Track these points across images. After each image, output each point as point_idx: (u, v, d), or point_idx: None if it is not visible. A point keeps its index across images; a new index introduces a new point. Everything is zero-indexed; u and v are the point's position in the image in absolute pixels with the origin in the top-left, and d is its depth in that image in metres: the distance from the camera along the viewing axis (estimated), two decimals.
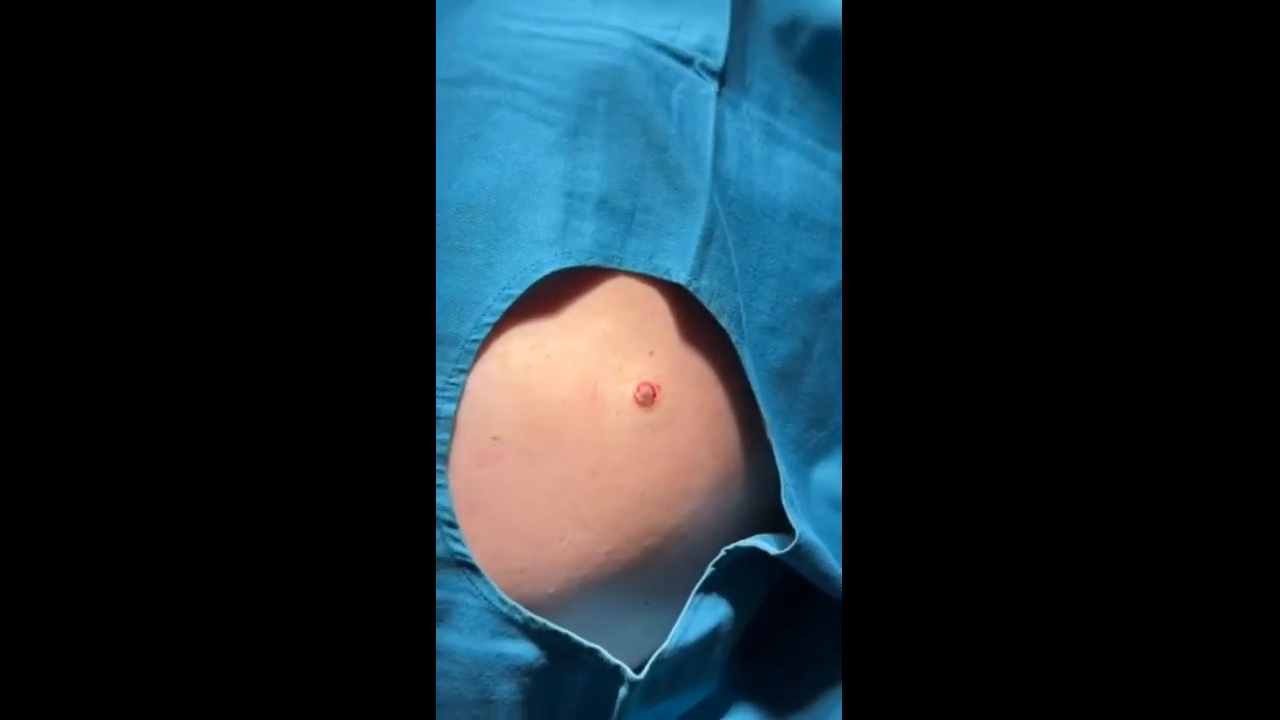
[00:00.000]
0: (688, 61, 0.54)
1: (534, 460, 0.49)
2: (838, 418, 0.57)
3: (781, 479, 0.52)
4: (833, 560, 0.53)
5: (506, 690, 0.49)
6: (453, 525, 0.48)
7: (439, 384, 0.48)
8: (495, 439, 0.48)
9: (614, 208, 0.51)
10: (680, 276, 0.50)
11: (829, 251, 0.58)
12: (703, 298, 0.51)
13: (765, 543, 0.52)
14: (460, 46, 0.53)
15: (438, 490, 0.47)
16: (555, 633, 0.49)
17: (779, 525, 0.53)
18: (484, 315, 0.48)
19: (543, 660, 0.49)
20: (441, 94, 0.51)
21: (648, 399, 0.50)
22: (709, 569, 0.52)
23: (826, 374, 0.56)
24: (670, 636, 0.51)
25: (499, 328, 0.48)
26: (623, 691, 0.50)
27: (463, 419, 0.48)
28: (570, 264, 0.49)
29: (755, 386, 0.51)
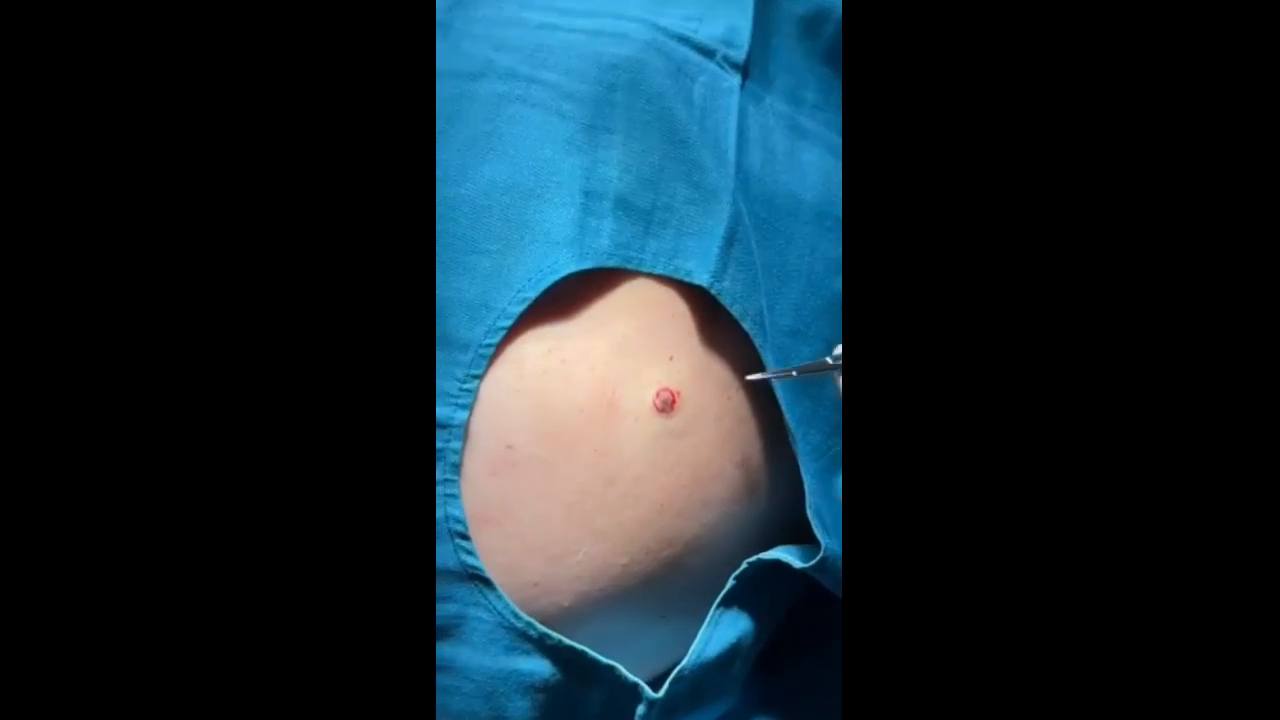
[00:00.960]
0: (710, 54, 0.52)
1: (549, 470, 0.47)
2: None
3: (806, 489, 0.50)
4: None
5: (520, 707, 0.48)
6: (465, 537, 0.46)
7: (452, 390, 0.46)
8: (509, 447, 0.46)
9: (633, 206, 0.49)
10: (702, 278, 0.49)
11: None
12: (725, 300, 0.49)
13: (789, 555, 0.50)
14: (474, 38, 0.51)
15: (450, 501, 0.46)
16: (571, 649, 0.47)
17: (801, 536, 0.51)
18: (498, 319, 0.46)
19: (558, 677, 0.47)
20: (453, 87, 0.49)
21: (667, 405, 0.48)
22: (730, 582, 0.50)
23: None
24: (690, 652, 0.49)
25: (513, 332, 0.46)
26: (641, 710, 0.48)
27: (476, 426, 0.46)
28: (587, 265, 0.47)
29: (779, 393, 0.49)
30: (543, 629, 0.46)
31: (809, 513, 0.49)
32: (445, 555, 0.46)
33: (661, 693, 0.48)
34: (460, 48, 0.50)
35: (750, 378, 0.48)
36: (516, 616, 0.46)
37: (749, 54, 0.53)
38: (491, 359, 0.46)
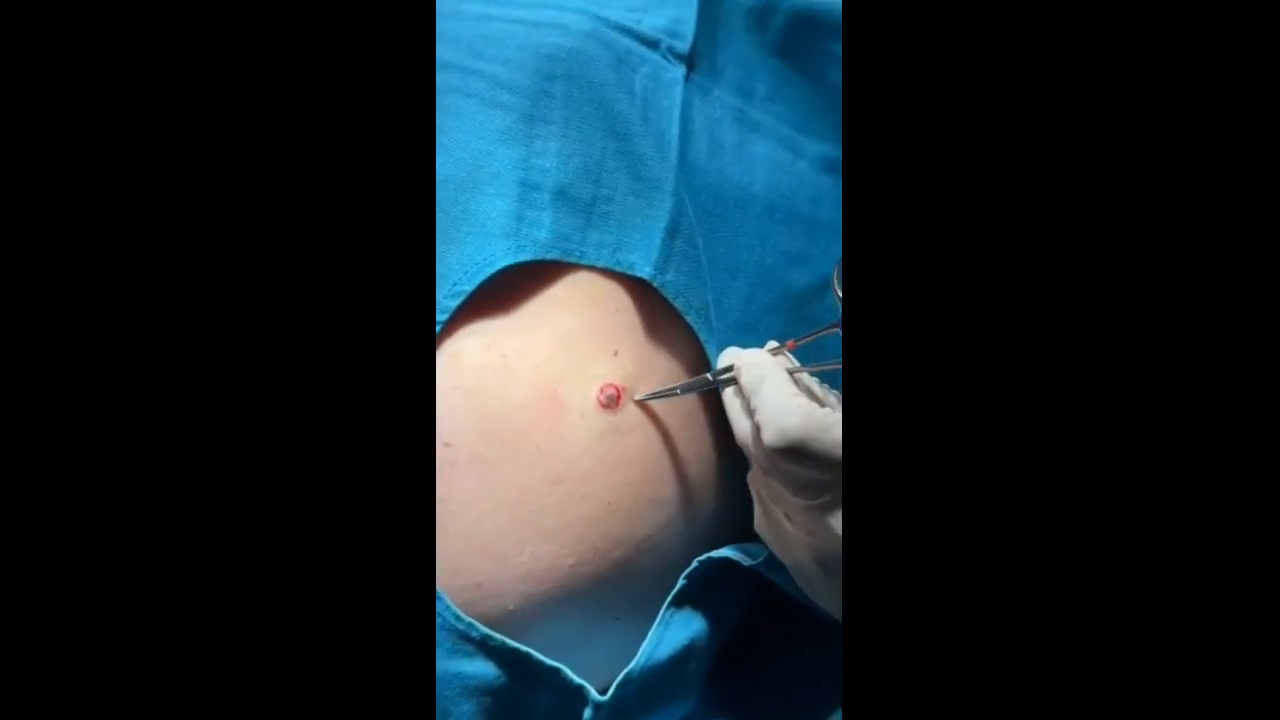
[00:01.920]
0: (653, 45, 0.52)
1: (490, 468, 0.46)
2: None
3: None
4: None
5: (465, 711, 0.46)
6: None
7: None
8: (448, 446, 0.45)
9: (573, 198, 0.48)
10: (644, 271, 0.48)
11: (807, 245, 0.55)
12: (668, 293, 0.48)
13: (739, 553, 0.49)
14: None
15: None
16: (515, 651, 0.46)
17: (756, 535, 0.50)
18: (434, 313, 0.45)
19: (502, 680, 0.46)
20: None
21: (612, 401, 0.47)
22: (680, 581, 0.49)
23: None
24: (639, 654, 0.48)
25: (450, 326, 0.46)
26: (587, 713, 0.47)
27: None
28: (526, 258, 0.47)
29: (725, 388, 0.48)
30: (485, 631, 0.45)
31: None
32: None
33: (607, 696, 0.47)
34: None
35: (638, 398, 0.48)
36: (458, 619, 0.45)
37: (694, 45, 0.52)
38: None
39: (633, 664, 0.48)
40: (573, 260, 0.47)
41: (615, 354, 0.48)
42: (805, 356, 0.49)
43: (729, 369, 0.46)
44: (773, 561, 0.48)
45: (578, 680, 0.47)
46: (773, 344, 0.48)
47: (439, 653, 0.46)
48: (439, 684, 0.46)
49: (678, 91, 0.51)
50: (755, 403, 0.43)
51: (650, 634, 0.49)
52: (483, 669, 0.46)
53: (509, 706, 0.47)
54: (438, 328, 0.45)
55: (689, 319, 0.48)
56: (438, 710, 0.46)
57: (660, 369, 0.49)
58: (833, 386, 0.48)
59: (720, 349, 0.49)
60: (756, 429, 0.43)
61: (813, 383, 0.47)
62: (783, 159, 0.55)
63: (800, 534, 0.44)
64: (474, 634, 0.45)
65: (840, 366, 0.46)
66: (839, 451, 0.40)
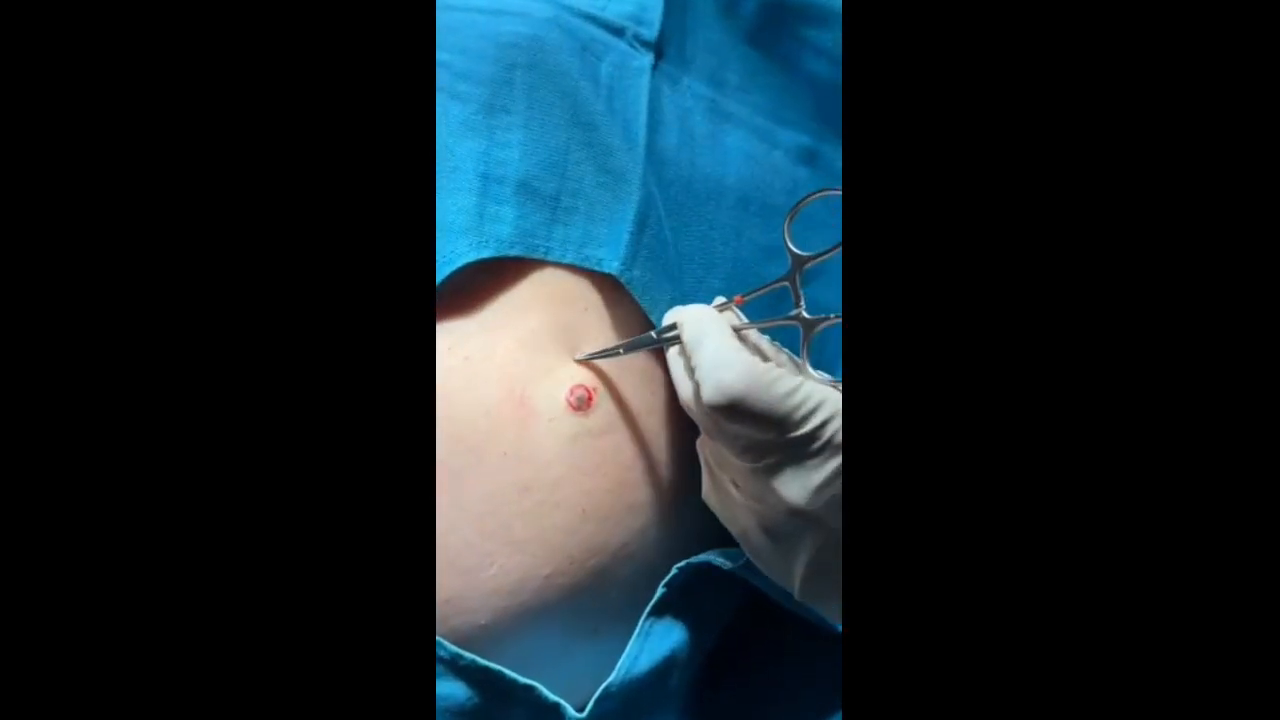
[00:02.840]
0: (619, 32, 0.50)
1: (456, 477, 0.44)
2: None
3: None
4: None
5: None
6: None
7: None
8: None
9: (536, 191, 0.46)
10: (612, 266, 0.46)
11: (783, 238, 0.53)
12: (634, 290, 0.46)
13: (720, 557, 0.47)
14: None
15: None
16: (486, 669, 0.43)
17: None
18: None
19: (475, 700, 0.44)
20: None
21: (583, 403, 0.45)
22: (660, 589, 0.47)
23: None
24: (618, 667, 0.46)
25: None
26: None
27: None
28: (488, 254, 0.44)
29: None
30: (454, 649, 0.43)
31: None
32: None
33: (585, 713, 0.45)
34: None
35: (577, 358, 0.45)
36: None
37: (661, 32, 0.51)
38: None
39: (611, 678, 0.46)
40: (537, 257, 0.45)
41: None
42: (756, 315, 0.46)
43: (673, 327, 0.44)
44: (753, 564, 0.46)
45: (553, 698, 0.44)
46: (720, 300, 0.46)
47: None
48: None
49: (645, 80, 0.49)
50: (696, 360, 0.41)
51: (629, 646, 0.46)
52: (453, 689, 0.44)
53: None
54: None
55: (653, 317, 0.46)
56: None
57: (635, 368, 0.47)
58: (786, 345, 0.47)
59: None
60: (697, 388, 0.41)
61: (762, 340, 0.45)
62: (756, 150, 0.53)
63: (747, 500, 0.42)
64: (443, 653, 0.43)
65: (793, 323, 0.44)
66: (782, 409, 0.39)
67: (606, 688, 0.46)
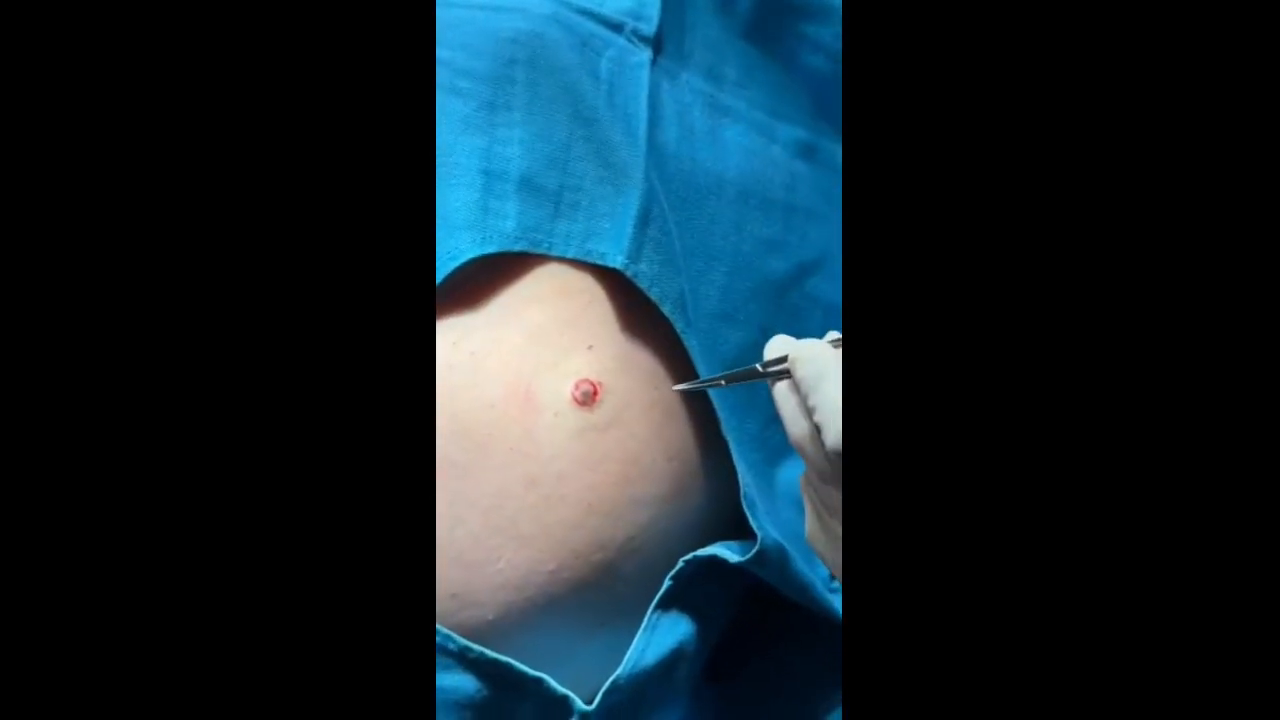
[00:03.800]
0: (617, 28, 0.50)
1: (462, 472, 0.44)
2: None
3: (740, 480, 0.47)
4: (803, 566, 0.48)
5: None
6: None
7: None
8: None
9: (539, 186, 0.46)
10: (616, 260, 0.46)
11: (783, 232, 0.53)
12: (642, 283, 0.46)
13: (726, 550, 0.47)
14: None
15: None
16: (494, 662, 0.44)
17: (743, 532, 0.48)
18: None
19: (484, 692, 0.44)
20: None
21: (588, 398, 0.45)
22: (666, 583, 0.47)
23: None
24: (625, 660, 0.46)
25: None
26: None
27: None
28: (491, 249, 0.45)
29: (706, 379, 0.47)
30: (464, 642, 0.43)
31: (744, 504, 0.47)
32: None
33: (594, 705, 0.45)
34: None
35: (677, 388, 0.45)
36: (435, 630, 0.43)
37: (660, 28, 0.51)
38: None
39: (619, 671, 0.46)
40: (541, 252, 0.46)
41: (590, 348, 0.46)
42: None
43: (780, 360, 0.41)
44: (761, 558, 0.46)
45: (562, 690, 0.45)
46: (833, 335, 0.42)
47: None
48: None
49: (644, 75, 0.50)
50: (814, 400, 0.38)
51: (636, 639, 0.47)
52: (463, 682, 0.44)
53: None
54: None
55: (665, 309, 0.46)
56: None
57: (638, 363, 0.47)
58: None
59: (700, 339, 0.47)
60: (816, 429, 0.38)
61: None
62: (755, 144, 0.54)
63: None
64: (451, 646, 0.43)
65: None
66: None
67: (614, 680, 0.46)
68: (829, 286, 0.55)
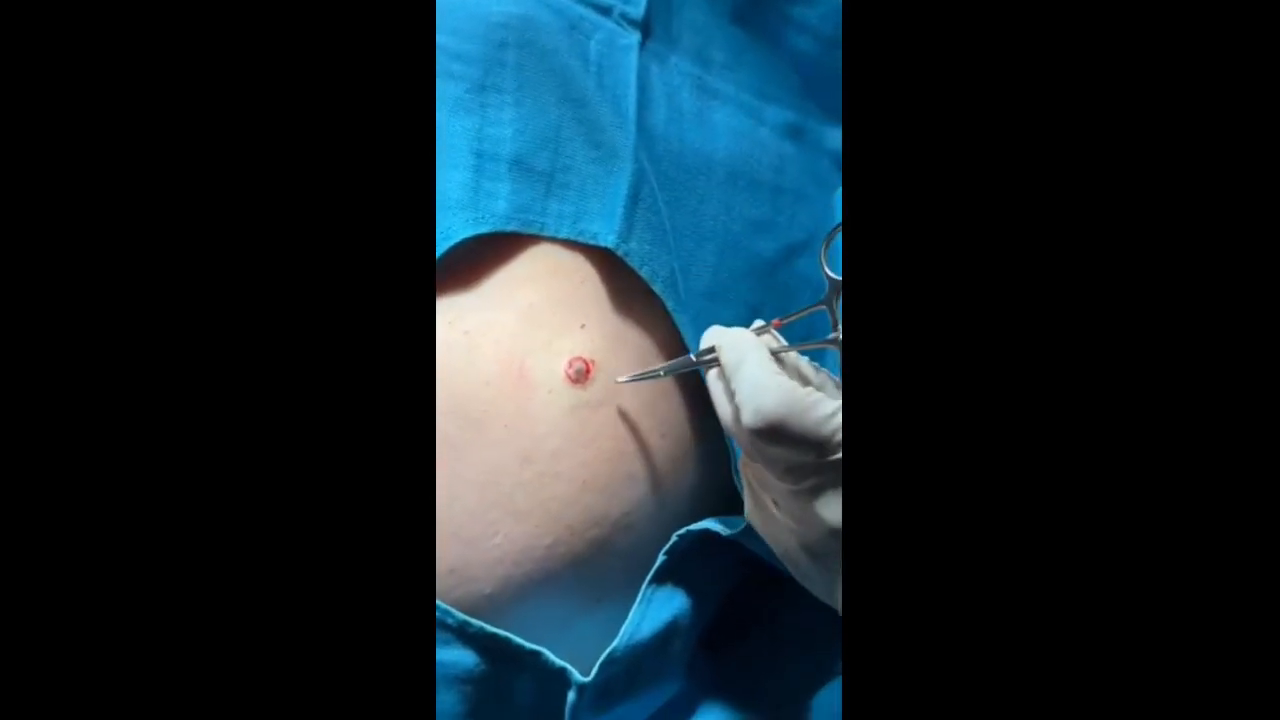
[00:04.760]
0: (606, 11, 0.51)
1: (458, 449, 0.44)
2: None
3: (731, 453, 0.48)
4: None
5: (448, 700, 0.45)
6: None
7: None
8: None
9: (530, 167, 0.47)
10: (607, 240, 0.47)
11: (772, 213, 0.54)
12: (633, 262, 0.47)
13: (718, 524, 0.48)
14: None
15: None
16: (492, 636, 0.44)
17: (735, 507, 0.49)
18: None
19: (482, 666, 0.45)
20: None
21: (581, 375, 0.46)
22: (660, 557, 0.48)
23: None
24: (621, 634, 0.47)
25: None
26: (571, 696, 0.46)
27: None
28: (484, 230, 0.45)
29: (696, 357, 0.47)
30: (462, 616, 0.44)
31: (735, 479, 0.47)
32: None
33: (591, 677, 0.46)
34: None
35: (619, 380, 0.46)
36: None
37: (648, 11, 0.51)
38: None
39: (615, 644, 0.47)
40: (533, 232, 0.46)
41: (583, 327, 0.47)
42: (794, 337, 0.46)
43: (711, 350, 0.44)
44: (752, 531, 0.47)
45: (559, 663, 0.45)
46: (758, 323, 0.46)
47: None
48: None
49: (633, 58, 0.50)
50: (735, 383, 0.41)
51: (632, 613, 0.47)
52: (461, 656, 0.45)
53: (491, 694, 0.46)
54: None
55: (656, 287, 0.47)
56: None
57: (630, 341, 0.48)
58: (824, 365, 0.47)
59: (691, 318, 0.48)
60: (737, 411, 0.41)
61: (802, 362, 0.45)
62: (743, 126, 0.54)
63: (788, 521, 0.42)
64: (450, 620, 0.44)
65: (831, 346, 0.44)
66: (822, 432, 0.39)
67: (610, 653, 0.46)
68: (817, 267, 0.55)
